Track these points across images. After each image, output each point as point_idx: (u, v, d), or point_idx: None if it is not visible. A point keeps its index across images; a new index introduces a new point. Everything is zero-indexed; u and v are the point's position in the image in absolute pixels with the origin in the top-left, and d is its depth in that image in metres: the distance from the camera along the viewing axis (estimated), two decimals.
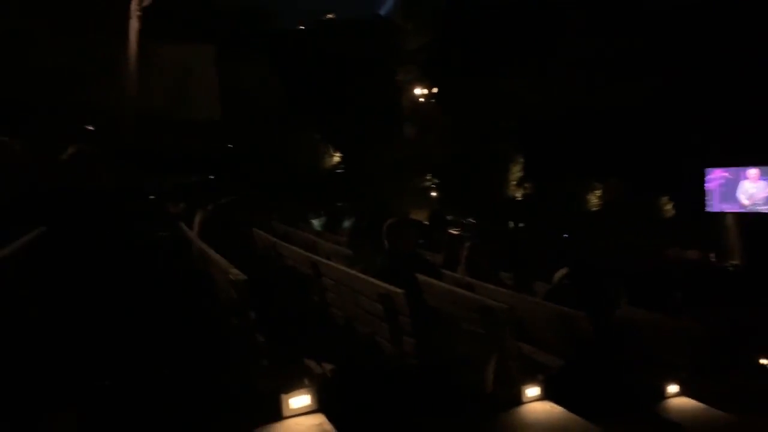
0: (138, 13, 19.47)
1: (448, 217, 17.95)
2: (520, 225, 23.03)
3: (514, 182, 25.45)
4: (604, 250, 14.49)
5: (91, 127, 20.34)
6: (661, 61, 23.69)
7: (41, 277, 2.85)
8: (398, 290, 3.77)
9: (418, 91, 28.08)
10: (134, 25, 19.53)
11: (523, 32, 24.73)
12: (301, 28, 38.50)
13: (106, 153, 3.93)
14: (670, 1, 24.01)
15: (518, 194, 25.60)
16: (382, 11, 37.43)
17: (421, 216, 18.69)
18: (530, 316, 4.76)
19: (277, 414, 3.07)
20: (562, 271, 5.09)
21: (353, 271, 4.50)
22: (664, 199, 25.60)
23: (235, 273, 3.18)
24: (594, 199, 25.69)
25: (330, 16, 44.97)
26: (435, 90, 27.83)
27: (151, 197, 7.92)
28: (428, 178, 25.25)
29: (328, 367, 3.25)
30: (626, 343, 4.43)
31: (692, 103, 22.67)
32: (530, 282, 6.19)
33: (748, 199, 22.57)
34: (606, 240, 17.25)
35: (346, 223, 10.67)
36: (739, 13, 22.65)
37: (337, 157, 22.80)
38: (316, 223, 11.36)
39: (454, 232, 13.45)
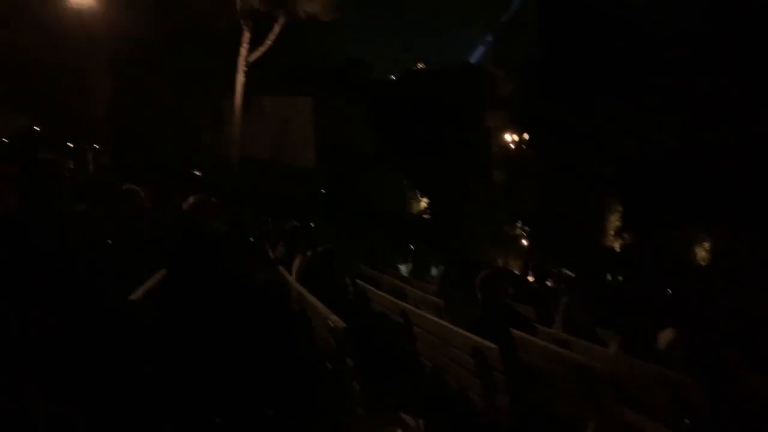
0: (244, 68, 21.19)
1: (542, 268, 17.40)
2: (619, 278, 21.54)
3: (612, 232, 24.17)
4: (716, 310, 13.25)
5: (198, 173, 22.09)
6: None
7: (165, 317, 3.10)
8: (492, 345, 3.68)
9: (508, 136, 27.90)
10: (240, 78, 21.24)
11: (620, 74, 23.93)
12: (393, 78, 39.92)
13: (219, 202, 4.25)
14: None
15: (616, 245, 24.18)
16: (473, 59, 38.00)
17: (512, 264, 18.28)
18: (634, 380, 4.46)
19: None
20: (670, 333, 4.74)
21: (444, 323, 4.46)
22: None
23: (335, 320, 3.27)
24: (702, 251, 23.54)
25: (421, 65, 46.35)
26: (526, 136, 27.53)
27: (252, 239, 8.33)
28: (519, 225, 24.70)
29: (420, 420, 3.22)
30: (748, 418, 4.01)
31: None
32: (633, 342, 5.80)
33: None
34: (717, 298, 15.73)
35: (434, 271, 10.64)
36: None
37: (424, 203, 22.97)
38: (403, 268, 11.42)
39: (549, 284, 12.95)
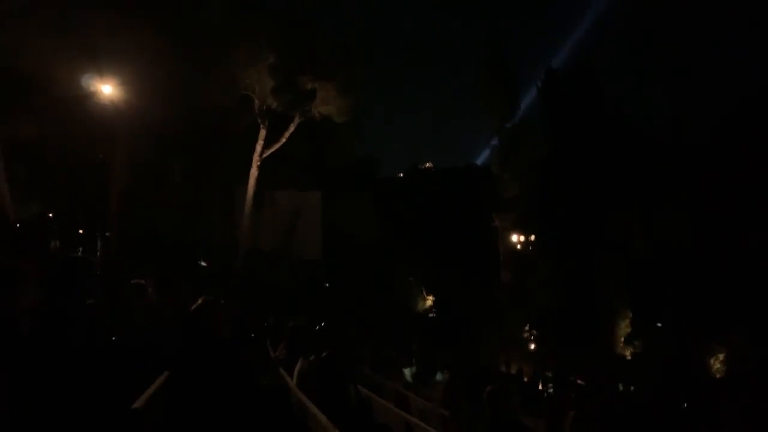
0: (258, 162, 21.96)
1: (547, 374, 16.79)
2: (631, 388, 20.43)
3: (622, 338, 23.37)
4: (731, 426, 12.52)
5: (204, 263, 22.19)
6: None
7: (166, 426, 2.98)
8: None
9: (515, 237, 28.05)
10: (254, 172, 21.94)
11: (627, 177, 24.26)
12: (401, 176, 41.04)
13: (226, 304, 4.23)
14: None
15: (627, 353, 23.22)
16: (479, 160, 39.18)
17: (522, 367, 17.64)
18: None
19: None
20: None
21: None
22: None
23: None
24: (716, 363, 22.34)
25: (428, 164, 47.81)
26: (533, 237, 27.65)
27: (254, 337, 8.21)
28: (527, 329, 24.05)
29: None
30: None
31: None
32: None
33: None
34: (731, 414, 14.81)
35: (439, 376, 10.29)
36: None
37: (429, 300, 22.70)
38: (407, 372, 11.06)
39: (559, 394, 12.42)
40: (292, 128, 21.78)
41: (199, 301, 3.70)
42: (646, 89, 26.64)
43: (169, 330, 4.14)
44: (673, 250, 22.20)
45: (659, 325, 22.12)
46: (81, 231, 17.90)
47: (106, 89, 14.88)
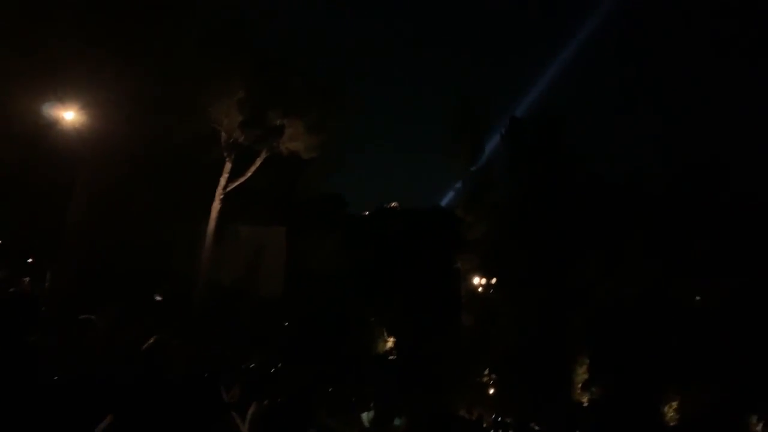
0: (221, 195, 21.63)
1: (507, 420, 16.65)
2: None
3: (579, 384, 23.51)
4: None
5: (159, 298, 21.44)
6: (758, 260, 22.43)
7: None
8: None
9: (477, 280, 28.25)
10: (216, 205, 21.56)
11: (591, 221, 24.77)
12: (367, 214, 41.08)
13: (179, 344, 4.07)
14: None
15: (584, 399, 23.31)
16: (444, 202, 39.63)
17: (481, 414, 17.42)
18: None
19: None
20: None
21: None
22: (753, 418, 22.12)
23: None
24: (670, 411, 22.67)
25: (394, 204, 48.04)
26: (494, 280, 27.90)
27: (206, 377, 7.90)
28: (486, 373, 23.92)
29: None
30: None
31: None
32: None
33: None
34: None
35: (398, 421, 10.06)
36: None
37: (390, 342, 22.43)
38: (365, 417, 10.78)
39: None
40: (258, 163, 21.64)
41: (151, 340, 3.56)
42: (610, 141, 27.76)
43: (117, 369, 3.95)
44: (630, 299, 22.67)
45: (616, 371, 22.35)
46: (30, 260, 17.12)
47: (69, 115, 14.56)
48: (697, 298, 23.09)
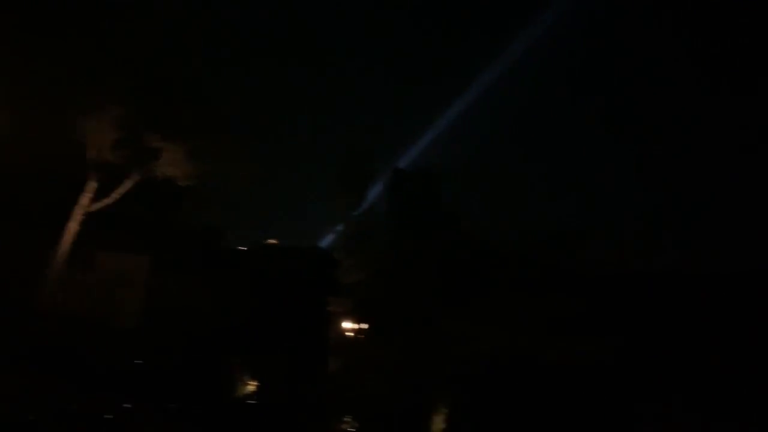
0: (80, 217, 19.76)
1: None
2: None
3: None
4: None
5: None
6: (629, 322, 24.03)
7: None
8: None
9: (347, 324, 28.23)
10: (73, 226, 19.63)
11: (468, 275, 25.79)
12: (243, 249, 39.74)
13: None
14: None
15: None
16: (323, 243, 39.50)
17: None
18: None
19: None
20: None
21: None
22: None
23: None
24: None
25: (273, 241, 46.97)
26: (365, 326, 28.07)
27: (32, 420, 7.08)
28: (347, 419, 23.75)
29: None
30: None
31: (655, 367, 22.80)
32: None
33: None
34: None
35: None
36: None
37: (252, 386, 21.53)
38: None
39: None
40: (128, 185, 20.24)
41: None
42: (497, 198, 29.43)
43: None
44: (493, 354, 23.81)
45: (472, 424, 23.18)
46: None
47: None
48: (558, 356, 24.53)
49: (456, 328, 23.55)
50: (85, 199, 19.74)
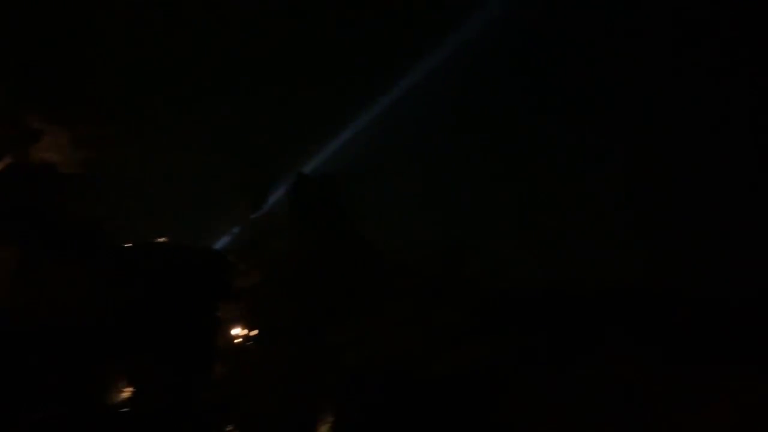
0: None
1: None
2: None
3: None
4: None
5: None
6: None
7: None
8: None
9: (236, 330, 27.39)
10: None
11: (359, 284, 25.97)
12: (129, 246, 37.28)
13: None
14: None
15: None
16: (218, 245, 38.04)
17: None
18: None
19: None
20: None
21: None
22: None
23: None
24: None
25: (163, 239, 44.53)
26: (254, 332, 27.41)
27: None
28: (230, 429, 22.95)
29: None
30: None
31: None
32: None
33: None
34: None
35: None
36: None
37: (127, 393, 20.24)
38: None
39: None
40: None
41: None
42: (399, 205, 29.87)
43: None
44: (380, 362, 24.19)
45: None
46: None
47: None
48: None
49: (344, 336, 23.76)
50: None
